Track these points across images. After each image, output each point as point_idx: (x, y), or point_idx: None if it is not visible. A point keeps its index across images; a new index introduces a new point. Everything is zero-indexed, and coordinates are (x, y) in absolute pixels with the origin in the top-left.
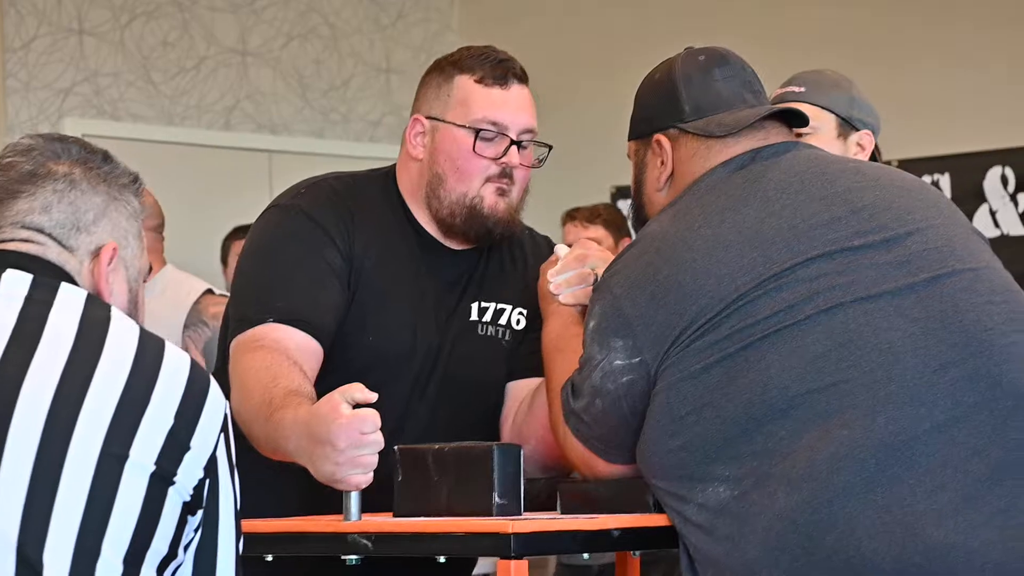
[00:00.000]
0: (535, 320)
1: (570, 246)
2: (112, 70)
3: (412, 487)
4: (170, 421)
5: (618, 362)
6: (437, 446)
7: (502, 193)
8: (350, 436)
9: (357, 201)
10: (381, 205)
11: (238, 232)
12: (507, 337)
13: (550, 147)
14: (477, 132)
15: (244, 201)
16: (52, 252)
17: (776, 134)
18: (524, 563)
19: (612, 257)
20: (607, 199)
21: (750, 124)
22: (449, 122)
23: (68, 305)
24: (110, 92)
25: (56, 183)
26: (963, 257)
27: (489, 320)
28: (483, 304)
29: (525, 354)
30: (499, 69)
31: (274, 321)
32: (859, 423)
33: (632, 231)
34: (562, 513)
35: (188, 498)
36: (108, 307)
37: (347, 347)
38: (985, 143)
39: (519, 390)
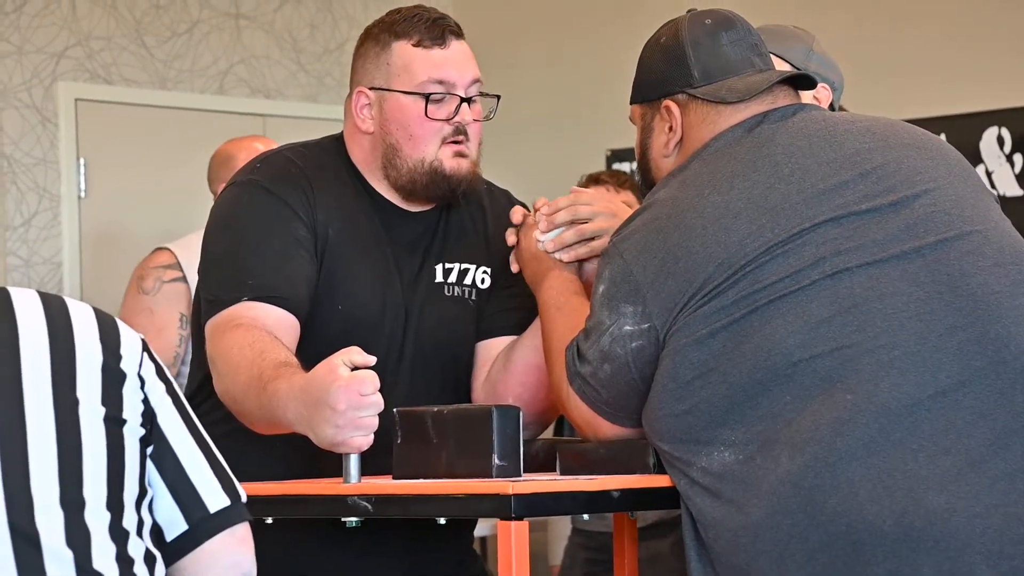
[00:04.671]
0: (500, 278)
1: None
2: (105, 34)
3: (411, 449)
4: (99, 356)
5: (628, 327)
6: (436, 408)
7: (461, 154)
8: (350, 398)
9: (313, 171)
10: (336, 173)
11: None
12: (473, 297)
13: (498, 97)
14: (427, 97)
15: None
16: None
17: (784, 97)
18: (524, 524)
19: (605, 201)
20: (602, 162)
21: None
22: (396, 90)
23: None
24: (103, 56)
25: None
26: (971, 218)
27: (455, 281)
28: (447, 265)
29: (493, 313)
30: (435, 29)
31: (248, 299)
32: (863, 388)
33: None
34: (561, 474)
35: (142, 433)
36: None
37: (318, 317)
38: (981, 104)
39: (490, 350)
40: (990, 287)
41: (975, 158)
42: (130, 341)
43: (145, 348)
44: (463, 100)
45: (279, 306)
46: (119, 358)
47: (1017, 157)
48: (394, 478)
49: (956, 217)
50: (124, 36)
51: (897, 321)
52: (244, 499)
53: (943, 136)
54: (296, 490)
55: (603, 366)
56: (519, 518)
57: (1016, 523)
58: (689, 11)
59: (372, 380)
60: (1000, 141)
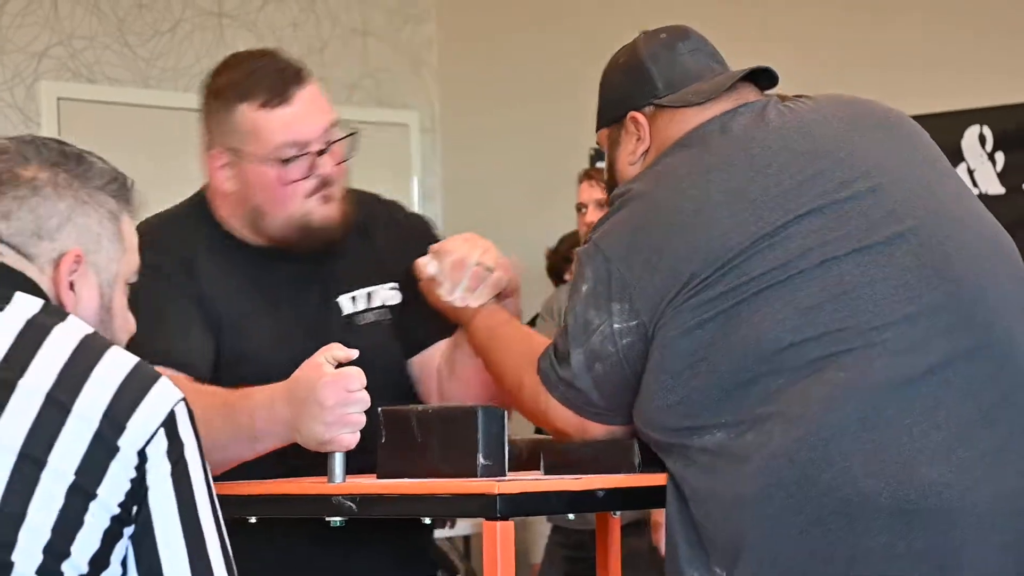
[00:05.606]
0: (408, 287)
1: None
2: (87, 33)
3: (396, 448)
4: (95, 424)
5: (617, 325)
6: (421, 408)
7: (327, 200)
8: (337, 394)
9: (185, 239)
10: (207, 235)
11: None
12: (389, 316)
13: (355, 133)
14: (283, 160)
15: None
16: (10, 259)
17: (747, 94)
18: (510, 524)
19: (486, 243)
20: (586, 160)
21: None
22: (250, 155)
23: (15, 314)
24: (85, 55)
25: (18, 189)
26: (945, 203)
27: (364, 307)
28: (352, 294)
29: (415, 324)
30: (277, 84)
31: (159, 365)
32: (855, 367)
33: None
34: (545, 473)
35: (116, 512)
36: (62, 315)
37: (236, 381)
38: (963, 102)
39: (426, 362)
40: (971, 270)
41: (957, 156)
42: (149, 415)
43: (168, 423)
44: (320, 152)
45: (187, 374)
46: (119, 431)
47: (999, 155)
48: (378, 477)
49: (931, 202)
50: (107, 35)
51: (887, 305)
52: None
53: None
54: (280, 489)
55: (594, 365)
56: (504, 518)
57: (1004, 499)
58: (642, 32)
59: (358, 376)
60: (982, 139)
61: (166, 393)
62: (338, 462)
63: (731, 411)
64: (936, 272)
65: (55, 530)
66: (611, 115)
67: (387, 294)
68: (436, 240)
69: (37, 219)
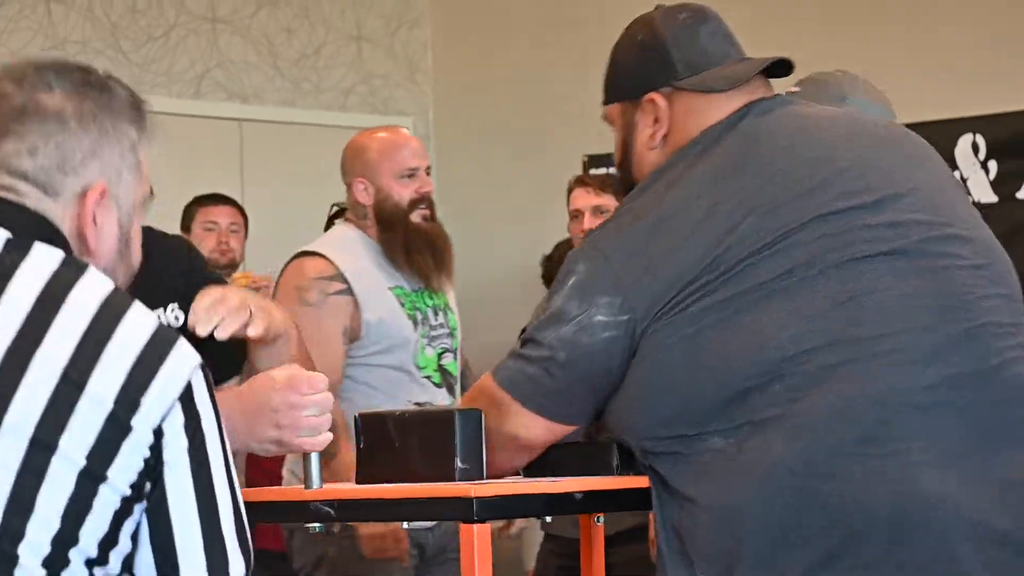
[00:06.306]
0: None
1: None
2: (80, 38)
3: (373, 453)
4: (109, 404)
5: (600, 318)
6: (398, 411)
7: None
8: (286, 397)
9: None
10: None
11: (200, 200)
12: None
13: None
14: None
15: (215, 170)
16: (32, 200)
17: (761, 87)
18: (487, 527)
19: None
20: (579, 168)
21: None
22: None
23: (35, 269)
24: (79, 60)
25: (45, 123)
26: (951, 220)
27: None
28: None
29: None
30: None
31: None
32: (857, 380)
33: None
34: (524, 476)
35: (128, 493)
36: (82, 268)
37: None
38: (956, 110)
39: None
40: (969, 288)
41: (950, 164)
42: (164, 389)
43: (185, 396)
44: None
45: None
46: (134, 409)
47: (992, 164)
48: (356, 482)
49: (936, 218)
50: (100, 40)
51: (888, 316)
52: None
53: None
54: (258, 496)
55: (558, 354)
56: (481, 521)
57: (1000, 510)
58: (659, 7)
59: (312, 380)
60: (975, 148)
61: (183, 362)
62: (314, 468)
63: (731, 418)
64: (935, 287)
65: (64, 518)
66: (625, 92)
67: (170, 317)
68: (192, 262)
69: (63, 154)
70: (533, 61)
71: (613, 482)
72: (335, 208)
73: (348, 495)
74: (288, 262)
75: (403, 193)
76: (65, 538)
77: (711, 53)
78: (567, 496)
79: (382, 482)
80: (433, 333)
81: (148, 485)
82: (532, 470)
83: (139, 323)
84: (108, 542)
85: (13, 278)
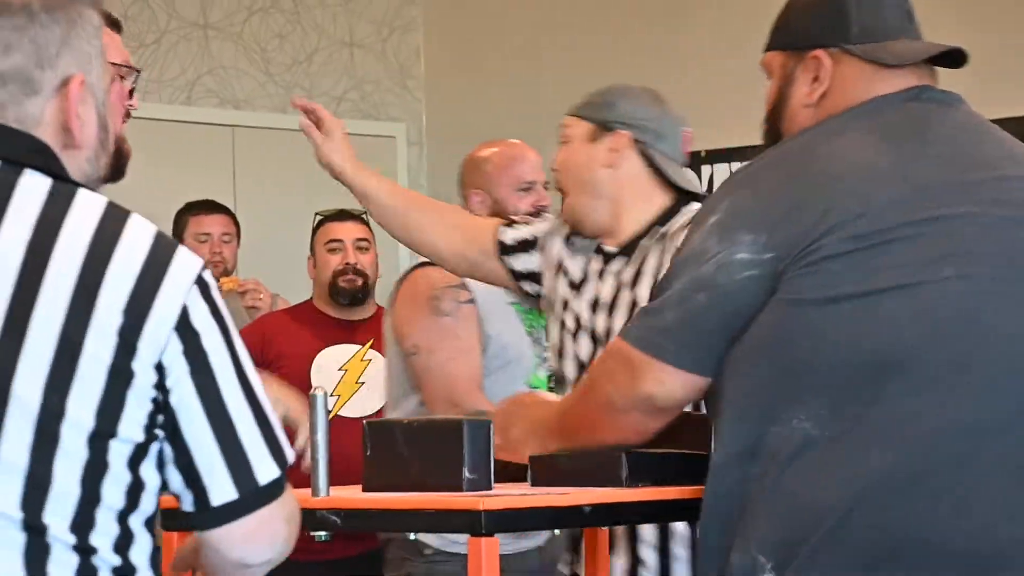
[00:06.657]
0: None
1: None
2: None
3: (381, 462)
4: (108, 361)
5: (742, 255)
6: (406, 420)
7: None
8: None
9: None
10: None
11: (191, 208)
12: None
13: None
14: None
15: (207, 177)
16: (11, 112)
17: (929, 75)
18: (495, 540)
19: None
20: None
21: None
22: None
23: (23, 212)
24: None
25: (15, 17)
26: None
27: None
28: None
29: None
30: None
31: None
32: (965, 404)
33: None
34: (532, 485)
35: (141, 439)
36: (70, 196)
37: None
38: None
39: None
40: None
41: None
42: (159, 325)
43: (181, 324)
44: None
45: None
46: (131, 354)
47: None
48: (364, 490)
49: None
50: None
51: (1008, 341)
52: (268, 480)
53: None
54: None
55: (697, 296)
56: (490, 534)
57: None
58: None
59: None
60: None
61: (177, 284)
62: (322, 476)
63: (829, 402)
64: None
65: (83, 484)
66: (791, 43)
67: None
68: None
69: (37, 49)
70: (525, 67)
71: (622, 494)
72: (319, 218)
73: (354, 504)
74: (407, 274)
75: (519, 206)
76: (89, 499)
77: (889, 25)
78: (576, 509)
79: (389, 491)
80: (545, 355)
81: (160, 418)
82: (540, 479)
83: (128, 258)
84: (135, 489)
85: (3, 220)
